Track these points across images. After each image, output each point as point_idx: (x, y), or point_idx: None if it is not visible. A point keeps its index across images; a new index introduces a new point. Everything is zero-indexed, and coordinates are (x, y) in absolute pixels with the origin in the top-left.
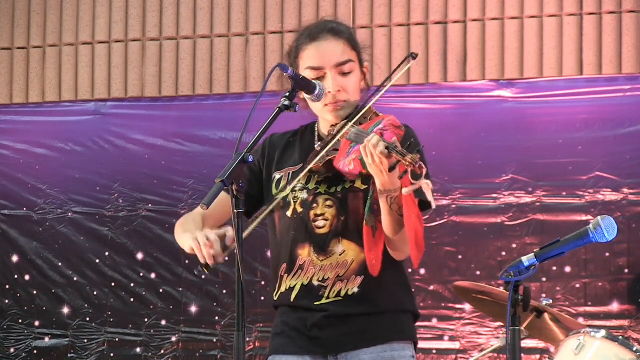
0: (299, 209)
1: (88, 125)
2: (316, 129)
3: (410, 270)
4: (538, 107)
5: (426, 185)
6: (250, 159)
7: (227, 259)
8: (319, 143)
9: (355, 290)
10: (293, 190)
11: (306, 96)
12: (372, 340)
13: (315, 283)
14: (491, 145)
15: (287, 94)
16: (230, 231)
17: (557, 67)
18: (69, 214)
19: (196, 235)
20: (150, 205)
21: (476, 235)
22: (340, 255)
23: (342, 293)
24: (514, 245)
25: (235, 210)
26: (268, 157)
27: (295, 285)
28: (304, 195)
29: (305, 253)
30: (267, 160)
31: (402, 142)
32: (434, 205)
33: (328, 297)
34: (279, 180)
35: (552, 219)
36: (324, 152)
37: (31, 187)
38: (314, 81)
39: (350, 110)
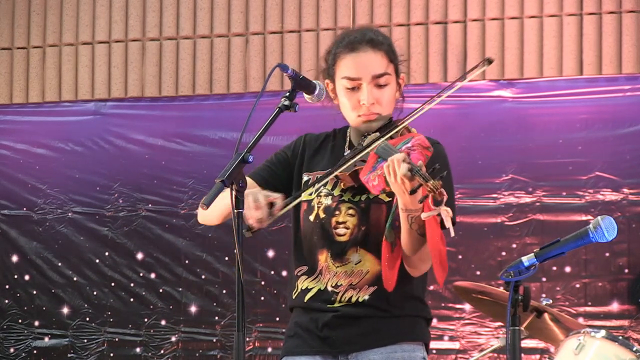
0: (322, 215)
1: (88, 125)
2: (348, 135)
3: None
4: (538, 107)
5: (445, 212)
6: (250, 159)
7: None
8: (349, 151)
9: (366, 297)
10: (318, 195)
11: (306, 96)
12: (382, 340)
13: (329, 288)
14: (491, 145)
15: (287, 94)
16: (280, 198)
17: (557, 67)
18: (69, 214)
19: (247, 193)
20: (150, 205)
21: (476, 235)
22: (356, 264)
23: (353, 299)
24: (514, 245)
25: (236, 210)
26: (300, 156)
27: (312, 288)
28: (327, 201)
29: (323, 258)
30: (299, 158)
31: (428, 165)
32: (452, 233)
33: (340, 302)
34: (306, 183)
35: (552, 219)
36: (351, 162)
37: (31, 187)
38: (313, 81)
39: (382, 122)
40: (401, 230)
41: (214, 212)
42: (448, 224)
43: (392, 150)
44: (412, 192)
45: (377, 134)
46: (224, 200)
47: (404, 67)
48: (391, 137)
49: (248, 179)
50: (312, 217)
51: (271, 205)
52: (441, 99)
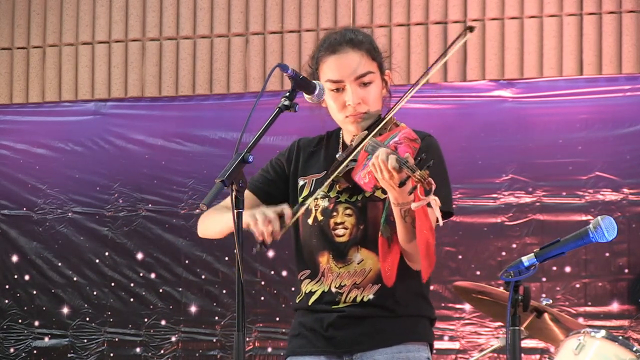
0: (320, 217)
1: (88, 125)
2: (341, 137)
3: None
4: (538, 107)
5: (434, 202)
6: (250, 159)
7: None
8: (341, 153)
9: (371, 297)
10: (315, 198)
11: (306, 96)
12: (387, 340)
13: (333, 290)
14: (491, 145)
15: (287, 94)
16: (287, 209)
17: (557, 67)
18: (69, 214)
19: (253, 213)
20: (150, 205)
21: (476, 235)
22: (358, 263)
23: (358, 299)
24: (514, 245)
25: (236, 210)
26: (295, 160)
27: (316, 291)
28: (324, 203)
29: (324, 260)
30: (294, 164)
31: (415, 157)
32: (440, 223)
33: (345, 302)
34: (303, 187)
35: (552, 219)
36: (344, 164)
37: (31, 187)
38: (313, 81)
39: (371, 121)
40: (396, 223)
41: (215, 228)
42: (437, 212)
43: (380, 146)
44: (401, 184)
45: (366, 132)
46: (224, 219)
47: (396, 65)
48: (380, 134)
49: (245, 191)
50: (310, 221)
51: (280, 216)
52: (419, 85)
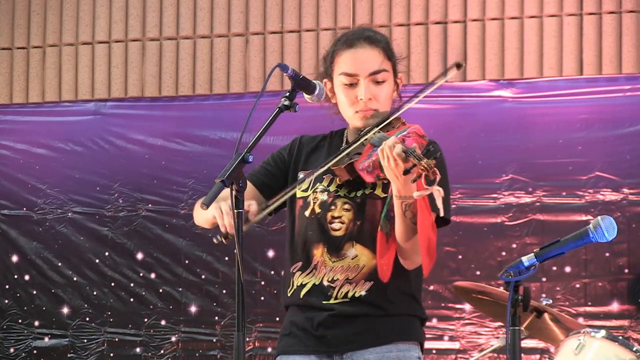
0: (317, 210)
1: (88, 125)
2: (345, 135)
3: None
4: (538, 107)
5: (437, 192)
6: (250, 159)
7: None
8: (345, 145)
9: (363, 293)
10: (314, 191)
11: (306, 96)
12: (377, 340)
13: (325, 283)
14: (491, 145)
15: (287, 94)
16: (253, 205)
17: (557, 67)
18: (69, 214)
19: (220, 205)
20: (150, 205)
21: (476, 235)
22: (352, 259)
23: (350, 295)
24: (514, 245)
25: (235, 210)
26: (296, 156)
27: (307, 283)
28: (323, 196)
29: (319, 253)
30: (295, 159)
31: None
32: (442, 212)
33: (336, 298)
34: (302, 180)
35: (552, 219)
36: (345, 154)
37: (31, 187)
38: (313, 81)
39: (379, 119)
40: (395, 218)
41: (201, 218)
42: (439, 204)
43: (386, 138)
44: (406, 172)
45: (372, 126)
46: (206, 215)
47: (403, 67)
48: (386, 130)
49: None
50: (307, 213)
51: (247, 211)
52: (425, 94)
